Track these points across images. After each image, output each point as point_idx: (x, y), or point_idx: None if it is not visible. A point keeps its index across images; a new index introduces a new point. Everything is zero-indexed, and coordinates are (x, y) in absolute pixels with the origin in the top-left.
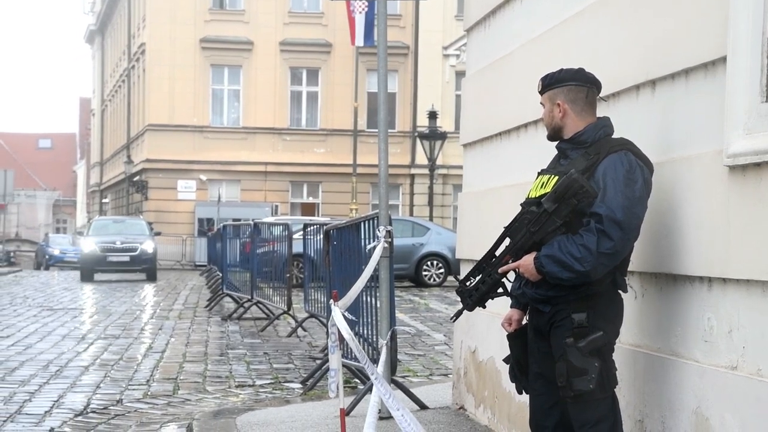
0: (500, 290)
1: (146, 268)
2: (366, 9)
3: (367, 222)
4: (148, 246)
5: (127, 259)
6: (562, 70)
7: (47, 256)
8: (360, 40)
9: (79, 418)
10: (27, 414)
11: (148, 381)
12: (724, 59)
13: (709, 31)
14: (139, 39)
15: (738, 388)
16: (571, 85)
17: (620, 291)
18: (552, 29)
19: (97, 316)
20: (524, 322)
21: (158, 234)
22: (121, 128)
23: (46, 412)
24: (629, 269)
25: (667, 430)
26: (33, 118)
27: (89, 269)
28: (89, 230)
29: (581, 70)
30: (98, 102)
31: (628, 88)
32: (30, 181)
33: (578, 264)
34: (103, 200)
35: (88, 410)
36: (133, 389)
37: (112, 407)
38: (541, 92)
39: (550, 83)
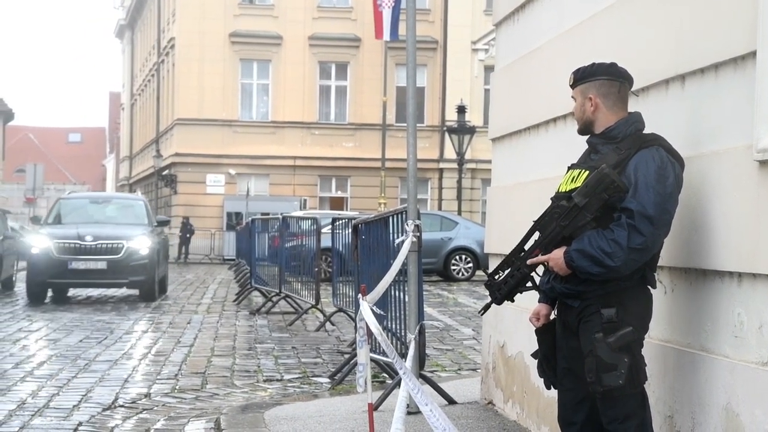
0: (529, 284)
1: (136, 280)
2: (393, 3)
3: (395, 216)
4: (140, 244)
5: (101, 265)
6: (594, 64)
7: None
8: (387, 35)
9: (107, 413)
10: (55, 408)
11: (176, 375)
12: (754, 54)
13: (739, 26)
14: (169, 33)
15: None
16: (604, 79)
17: (649, 286)
18: (581, 24)
19: (125, 309)
20: (552, 317)
21: (187, 224)
22: (150, 122)
23: (74, 406)
24: (659, 264)
25: (697, 426)
26: (63, 112)
27: (39, 282)
28: (49, 216)
29: (614, 65)
30: (128, 96)
31: (658, 82)
32: (60, 175)
33: (608, 259)
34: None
35: (116, 404)
36: (161, 383)
37: (140, 401)
38: (573, 86)
39: (582, 77)
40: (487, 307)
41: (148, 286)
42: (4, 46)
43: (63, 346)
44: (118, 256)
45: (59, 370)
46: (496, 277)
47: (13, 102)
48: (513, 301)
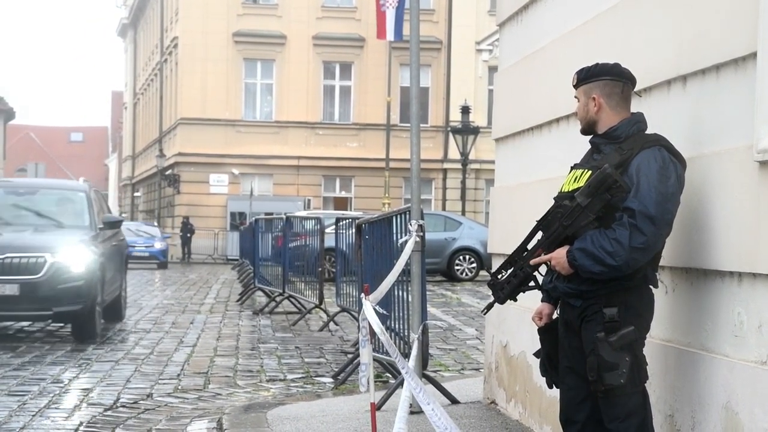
0: (532, 284)
1: (66, 312)
2: (397, 3)
3: (399, 216)
4: (71, 257)
5: (12, 290)
6: (597, 64)
7: None
8: (390, 35)
9: (109, 413)
10: (56, 408)
11: (178, 375)
12: (754, 55)
13: (740, 27)
14: (172, 33)
15: (767, 383)
16: (607, 79)
17: (651, 286)
18: (584, 24)
19: (127, 309)
20: (555, 316)
21: (187, 224)
22: (153, 122)
23: (75, 406)
24: (660, 264)
25: (696, 425)
26: (65, 111)
27: None
28: None
29: (617, 65)
30: (130, 95)
31: (660, 83)
32: (61, 175)
33: (610, 258)
34: (135, 194)
35: (118, 405)
36: (164, 383)
37: (142, 401)
38: (576, 86)
39: (585, 77)
40: (489, 307)
41: (84, 318)
42: (5, 45)
43: (65, 345)
44: (38, 276)
45: (60, 371)
46: (499, 276)
47: (14, 101)
48: (516, 300)
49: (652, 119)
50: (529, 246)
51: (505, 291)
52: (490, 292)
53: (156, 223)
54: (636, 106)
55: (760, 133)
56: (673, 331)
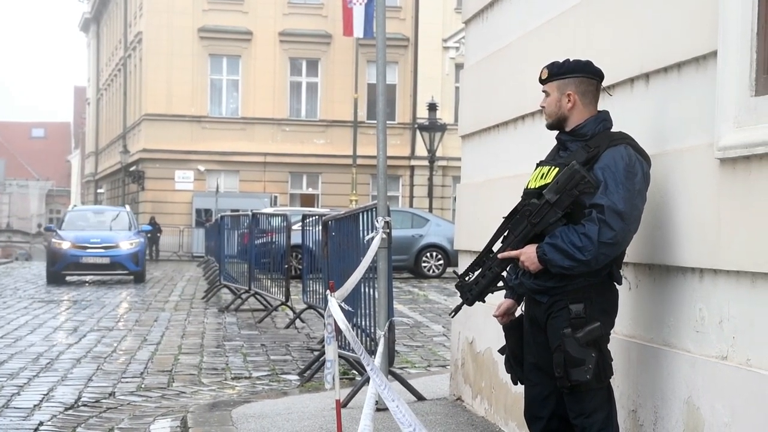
0: (500, 284)
1: None
2: (366, 0)
3: (365, 213)
4: None
5: None
6: (571, 60)
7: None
8: (360, 32)
9: (70, 412)
10: (15, 408)
11: (142, 373)
12: (714, 54)
13: (701, 26)
14: (136, 27)
15: (728, 377)
16: (583, 76)
17: (615, 283)
18: (549, 22)
19: (90, 308)
20: (519, 313)
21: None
22: (117, 117)
23: (35, 405)
24: (624, 261)
25: (659, 420)
26: (26, 106)
27: None
28: None
29: (590, 63)
30: (93, 91)
31: (623, 81)
32: (22, 171)
33: (579, 253)
34: (98, 190)
35: (79, 404)
36: (127, 382)
37: (104, 400)
38: (547, 80)
39: (559, 72)
40: (458, 309)
41: None
42: None
43: (25, 343)
44: None
45: (20, 369)
46: (467, 278)
47: None
48: (484, 301)
49: (615, 117)
50: (497, 246)
51: (473, 292)
52: (457, 291)
53: (128, 207)
54: (600, 103)
55: (720, 130)
56: (636, 327)
